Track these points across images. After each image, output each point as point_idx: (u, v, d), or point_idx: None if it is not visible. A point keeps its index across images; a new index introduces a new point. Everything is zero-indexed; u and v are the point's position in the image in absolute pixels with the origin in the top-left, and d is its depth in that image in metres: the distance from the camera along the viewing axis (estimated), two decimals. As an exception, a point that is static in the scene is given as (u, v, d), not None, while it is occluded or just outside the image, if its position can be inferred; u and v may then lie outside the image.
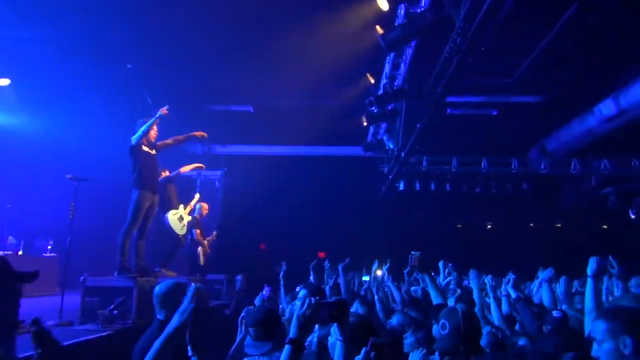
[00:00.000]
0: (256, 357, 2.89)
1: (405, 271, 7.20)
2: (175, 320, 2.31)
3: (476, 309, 4.12)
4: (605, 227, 17.06)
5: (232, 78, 10.54)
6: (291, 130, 12.86)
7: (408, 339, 3.63)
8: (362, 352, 1.98)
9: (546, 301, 5.23)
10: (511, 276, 4.83)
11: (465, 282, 6.94)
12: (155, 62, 9.67)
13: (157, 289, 3.26)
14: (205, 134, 7.44)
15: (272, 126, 12.81)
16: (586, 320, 3.52)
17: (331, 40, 8.71)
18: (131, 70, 9.80)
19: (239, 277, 9.38)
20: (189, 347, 2.45)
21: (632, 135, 11.34)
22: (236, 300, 8.23)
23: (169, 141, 6.95)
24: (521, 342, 3.21)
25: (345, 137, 13.33)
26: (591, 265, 3.58)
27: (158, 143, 6.77)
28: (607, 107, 10.17)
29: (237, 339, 3.58)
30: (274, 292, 7.18)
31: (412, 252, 3.99)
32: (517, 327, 4.11)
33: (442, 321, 2.83)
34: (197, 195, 9.49)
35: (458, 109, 11.59)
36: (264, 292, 6.42)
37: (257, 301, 5.75)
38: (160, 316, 3.20)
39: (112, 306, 5.56)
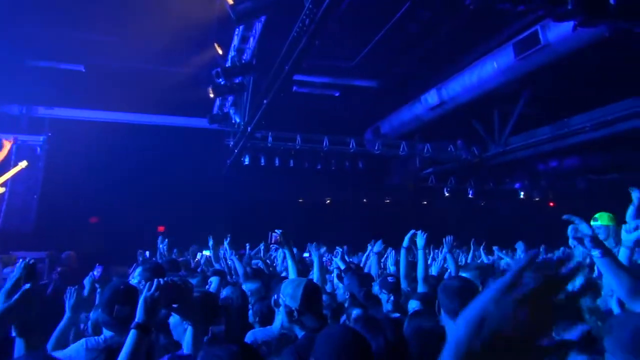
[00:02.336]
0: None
1: (261, 246, 7.31)
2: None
3: (316, 280, 4.38)
4: (425, 202, 19.36)
5: (60, 31, 9.30)
6: (129, 96, 11.84)
7: (252, 309, 3.72)
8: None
9: (373, 271, 5.80)
10: (339, 249, 5.22)
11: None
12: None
13: None
14: None
15: (107, 90, 11.62)
16: (402, 283, 4.06)
17: (179, 2, 8.21)
18: None
19: (64, 255, 8.51)
20: (12, 328, 2.17)
21: (450, 123, 12.97)
22: (58, 280, 7.46)
23: None
24: (355, 311, 3.50)
25: (189, 107, 12.74)
26: (407, 238, 4.13)
27: None
28: (432, 97, 11.42)
29: (63, 321, 3.30)
30: (106, 271, 6.66)
31: (275, 230, 4.08)
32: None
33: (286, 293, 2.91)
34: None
35: (304, 87, 11.93)
36: (94, 272, 5.92)
37: (86, 282, 5.27)
38: None
39: None
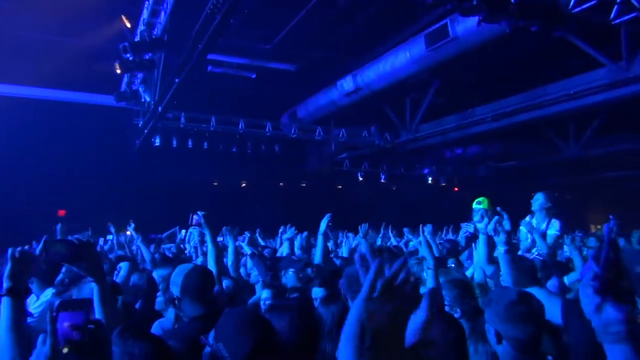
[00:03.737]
0: None
1: (175, 229, 7.03)
2: None
3: (230, 264, 4.33)
4: (340, 187, 19.79)
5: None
6: (27, 69, 10.80)
7: (159, 297, 3.60)
8: None
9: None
10: (247, 234, 5.20)
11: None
12: None
13: None
14: None
15: (4, 61, 10.50)
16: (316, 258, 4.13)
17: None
18: None
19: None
20: None
21: (365, 110, 13.29)
22: None
23: None
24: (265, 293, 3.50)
25: (95, 83, 11.87)
26: (323, 222, 4.19)
27: None
28: (347, 83, 11.60)
29: None
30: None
31: (197, 212, 3.95)
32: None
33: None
34: None
35: (219, 67, 11.57)
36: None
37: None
38: None
39: None
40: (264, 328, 1.81)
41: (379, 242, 7.68)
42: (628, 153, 13.36)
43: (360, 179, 18.30)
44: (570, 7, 5.71)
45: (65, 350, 1.24)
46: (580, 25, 7.99)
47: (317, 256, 4.52)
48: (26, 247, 2.06)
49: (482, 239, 3.08)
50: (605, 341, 1.09)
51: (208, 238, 3.86)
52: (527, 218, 4.96)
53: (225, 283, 3.58)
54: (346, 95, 11.90)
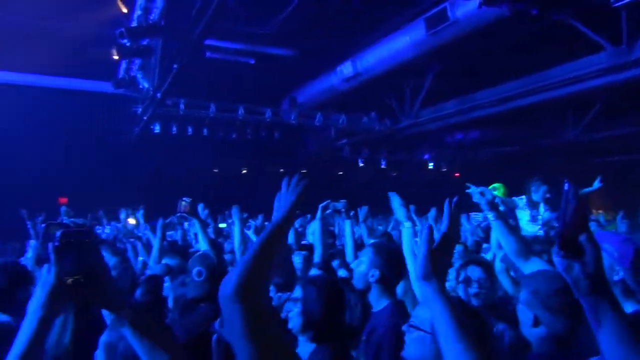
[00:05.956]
0: None
1: (175, 217, 7.07)
2: None
3: (237, 247, 4.35)
4: (340, 173, 19.79)
5: None
6: (22, 55, 10.72)
7: (167, 283, 3.61)
8: None
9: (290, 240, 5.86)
10: (252, 223, 5.20)
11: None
12: None
13: None
14: None
15: (-4, 47, 10.43)
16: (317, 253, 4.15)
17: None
18: None
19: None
20: None
21: (364, 95, 13.22)
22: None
23: None
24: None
25: (91, 70, 11.77)
26: (319, 209, 4.23)
27: None
28: (347, 68, 11.53)
29: None
30: (3, 245, 6.19)
31: (183, 199, 3.93)
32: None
33: (197, 268, 2.87)
34: None
35: (217, 53, 11.48)
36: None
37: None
38: None
39: None
40: None
41: (389, 229, 7.73)
42: (629, 136, 13.32)
43: (361, 165, 18.28)
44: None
45: (69, 281, 1.26)
46: (580, 8, 7.94)
47: (317, 242, 4.47)
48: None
49: (496, 225, 3.04)
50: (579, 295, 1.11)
51: (197, 226, 3.87)
52: (523, 199, 4.97)
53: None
54: (346, 80, 11.82)
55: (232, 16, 8.46)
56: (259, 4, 9.52)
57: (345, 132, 16.13)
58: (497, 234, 2.80)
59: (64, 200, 13.88)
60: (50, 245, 1.26)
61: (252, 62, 12.03)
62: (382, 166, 18.62)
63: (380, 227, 8.55)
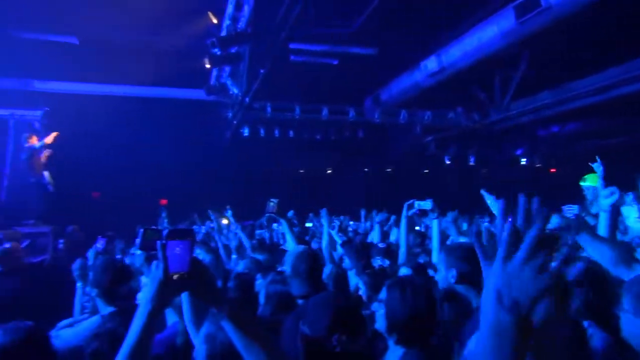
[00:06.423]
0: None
1: (264, 218, 7.35)
2: None
3: (324, 247, 4.45)
4: (426, 171, 19.35)
5: (50, 2, 9.09)
6: (125, 69, 11.70)
7: (259, 280, 3.76)
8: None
9: (376, 239, 5.84)
10: (335, 223, 5.23)
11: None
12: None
13: None
14: None
15: (102, 62, 11.46)
16: (402, 253, 4.09)
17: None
18: None
19: (69, 229, 8.62)
20: None
21: (450, 90, 12.82)
22: (60, 253, 7.62)
23: None
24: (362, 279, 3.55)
25: (186, 78, 12.59)
26: (405, 208, 4.17)
27: None
28: (431, 63, 11.25)
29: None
30: (110, 243, 6.76)
31: (271, 200, 4.07)
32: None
33: (297, 265, 2.94)
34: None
35: (301, 56, 11.75)
36: (97, 245, 5.98)
37: (90, 254, 5.34)
38: None
39: None
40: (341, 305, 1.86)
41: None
42: None
43: (447, 162, 17.74)
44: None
45: (175, 277, 1.37)
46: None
47: (402, 242, 4.43)
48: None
49: (603, 216, 2.80)
50: None
51: (284, 225, 3.97)
52: (630, 195, 4.54)
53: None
54: (430, 75, 11.54)
55: (314, 19, 8.60)
56: (340, 5, 9.59)
57: (431, 128, 15.74)
58: (587, 247, 2.47)
59: (164, 201, 14.96)
60: (158, 243, 1.37)
61: (335, 62, 12.17)
62: (471, 163, 17.93)
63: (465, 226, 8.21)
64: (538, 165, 18.93)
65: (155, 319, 1.37)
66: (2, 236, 7.08)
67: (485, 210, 6.21)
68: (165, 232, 1.40)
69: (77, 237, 8.50)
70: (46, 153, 10.06)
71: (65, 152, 11.18)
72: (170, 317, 2.88)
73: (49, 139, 9.98)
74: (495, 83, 13.04)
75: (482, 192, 3.29)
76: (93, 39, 10.86)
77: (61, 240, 8.31)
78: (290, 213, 7.55)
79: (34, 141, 9.93)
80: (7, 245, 5.89)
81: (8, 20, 9.67)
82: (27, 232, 8.68)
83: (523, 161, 18.53)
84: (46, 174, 9.88)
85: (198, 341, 1.92)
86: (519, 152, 18.37)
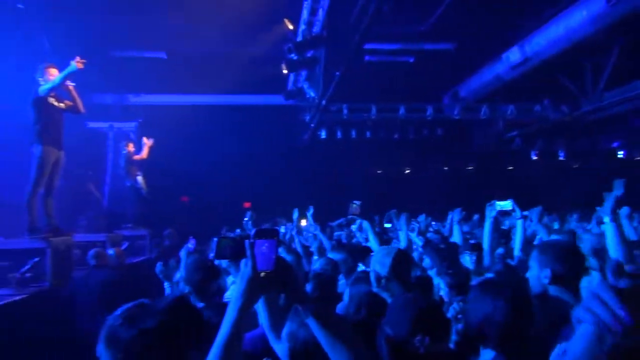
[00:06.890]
0: None
1: (346, 218, 7.46)
2: None
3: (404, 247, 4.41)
4: (511, 167, 18.46)
5: (141, 21, 9.80)
6: (209, 79, 12.35)
7: (341, 280, 3.81)
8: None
9: (457, 239, 5.66)
10: (415, 225, 5.14)
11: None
12: (52, 1, 8.70)
13: None
14: (81, 60, 5.79)
15: (188, 74, 12.19)
16: (487, 254, 3.95)
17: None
18: (23, 11, 8.71)
19: (166, 232, 9.26)
20: None
21: (535, 82, 12.14)
22: (159, 255, 8.15)
23: (74, 94, 6.32)
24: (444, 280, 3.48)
25: (265, 85, 13.02)
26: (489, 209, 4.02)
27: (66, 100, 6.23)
28: (513, 55, 10.73)
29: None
30: (200, 244, 7.15)
31: (354, 201, 4.13)
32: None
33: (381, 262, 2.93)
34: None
35: (376, 56, 11.70)
36: (189, 245, 6.37)
37: (182, 254, 5.69)
38: None
39: (25, 269, 5.29)
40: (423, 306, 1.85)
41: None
42: None
43: (534, 158, 16.80)
44: None
45: (262, 274, 1.44)
46: None
47: (486, 243, 4.27)
48: None
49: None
50: None
51: (367, 226, 3.97)
52: None
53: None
54: (513, 68, 11.00)
55: (388, 18, 8.54)
56: (415, 1, 9.43)
57: (515, 123, 15.00)
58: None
59: (247, 204, 15.54)
60: (247, 242, 1.45)
61: (412, 60, 11.98)
62: (561, 158, 16.84)
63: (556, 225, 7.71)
64: (638, 158, 17.40)
65: (245, 314, 1.44)
66: (106, 238, 7.75)
67: (577, 207, 5.83)
68: (246, 236, 1.48)
69: (173, 240, 9.10)
70: (138, 157, 10.85)
71: (156, 159, 12.02)
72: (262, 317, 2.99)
73: (145, 154, 10.76)
74: (586, 72, 12.17)
75: (616, 181, 3.08)
76: (179, 53, 11.58)
77: (165, 242, 9.00)
78: (376, 219, 7.55)
79: (131, 148, 10.72)
80: (110, 251, 6.48)
81: (106, 40, 10.56)
82: (127, 235, 9.40)
83: (620, 154, 17.11)
84: (139, 178, 10.63)
85: (282, 341, 1.98)
86: (615, 144, 16.99)
